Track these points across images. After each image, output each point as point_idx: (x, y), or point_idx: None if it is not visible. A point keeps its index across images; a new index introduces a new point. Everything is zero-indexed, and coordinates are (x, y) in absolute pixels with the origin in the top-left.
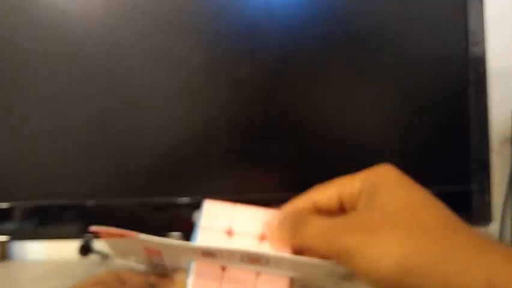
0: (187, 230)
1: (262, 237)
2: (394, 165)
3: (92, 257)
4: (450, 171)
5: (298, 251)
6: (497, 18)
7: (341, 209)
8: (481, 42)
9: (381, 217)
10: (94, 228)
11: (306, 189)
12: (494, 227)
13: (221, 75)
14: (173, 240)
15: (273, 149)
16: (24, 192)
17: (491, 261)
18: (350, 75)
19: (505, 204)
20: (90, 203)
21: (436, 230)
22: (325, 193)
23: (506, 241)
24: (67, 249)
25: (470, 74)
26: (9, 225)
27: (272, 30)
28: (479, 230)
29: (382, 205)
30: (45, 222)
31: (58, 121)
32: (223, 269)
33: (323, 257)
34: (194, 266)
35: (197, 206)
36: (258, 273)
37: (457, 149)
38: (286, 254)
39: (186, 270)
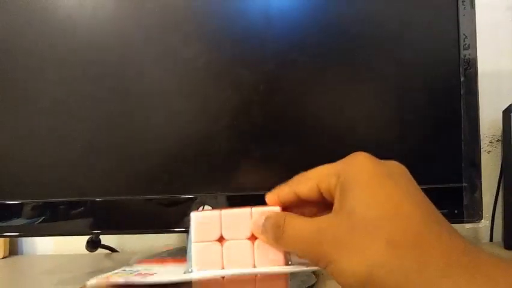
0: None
1: (253, 237)
2: (368, 154)
3: (100, 252)
4: (441, 170)
5: None
6: (488, 22)
7: (323, 198)
8: (472, 45)
9: (349, 225)
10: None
11: None
12: (484, 225)
13: (223, 78)
14: (171, 276)
15: (272, 149)
16: (33, 190)
17: (454, 283)
18: (346, 77)
19: (495, 202)
20: (97, 200)
21: (404, 243)
22: (306, 185)
23: (496, 238)
24: (75, 244)
25: (461, 76)
26: (19, 222)
27: (271, 35)
28: (472, 227)
29: (352, 208)
30: (54, 219)
31: (66, 121)
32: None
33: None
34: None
35: (199, 203)
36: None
37: (449, 148)
38: (276, 267)
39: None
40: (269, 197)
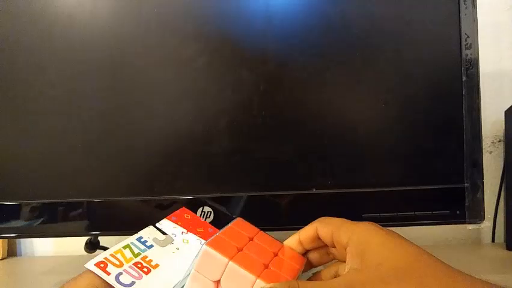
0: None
1: (275, 254)
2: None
3: (99, 253)
4: (443, 170)
5: None
6: (490, 21)
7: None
8: (474, 45)
9: (379, 276)
10: None
11: (306, 188)
12: (486, 225)
13: (223, 78)
14: None
15: (273, 149)
16: (32, 191)
17: None
18: (347, 77)
19: (497, 203)
20: (96, 201)
21: (433, 280)
22: (313, 241)
23: (498, 239)
24: (73, 245)
25: (463, 76)
26: (18, 223)
27: (272, 35)
28: (472, 228)
29: (378, 262)
30: (52, 220)
31: (65, 122)
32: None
33: None
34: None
35: (198, 204)
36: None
37: (450, 149)
38: None
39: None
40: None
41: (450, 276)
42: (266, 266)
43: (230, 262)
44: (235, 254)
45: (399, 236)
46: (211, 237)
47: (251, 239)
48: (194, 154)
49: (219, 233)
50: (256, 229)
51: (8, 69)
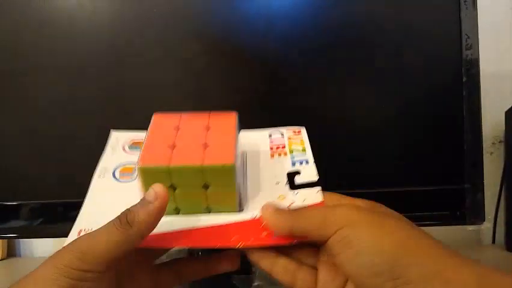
0: None
1: (208, 128)
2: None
3: None
4: (443, 171)
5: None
6: (490, 22)
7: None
8: (474, 45)
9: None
10: None
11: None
12: (487, 226)
13: (223, 78)
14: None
15: None
16: (32, 191)
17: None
18: (348, 78)
19: (497, 204)
20: None
21: (432, 241)
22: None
23: (499, 240)
24: None
25: (463, 76)
26: (18, 223)
27: (272, 35)
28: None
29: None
30: (52, 220)
31: (64, 122)
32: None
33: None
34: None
35: None
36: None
37: (451, 150)
38: None
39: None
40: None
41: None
42: (205, 146)
43: (171, 165)
44: (171, 153)
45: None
46: (140, 154)
47: (177, 129)
48: None
49: (143, 145)
50: (177, 115)
51: (8, 68)
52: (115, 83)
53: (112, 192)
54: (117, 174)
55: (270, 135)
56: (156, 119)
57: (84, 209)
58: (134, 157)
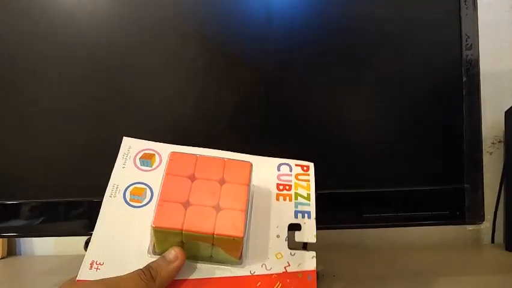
0: None
1: (222, 181)
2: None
3: None
4: (443, 171)
5: None
6: (491, 22)
7: None
8: (474, 45)
9: None
10: None
11: None
12: (486, 226)
13: (223, 78)
14: None
15: (273, 149)
16: (32, 190)
17: None
18: (347, 77)
19: (497, 203)
20: (96, 200)
21: None
22: None
23: (498, 240)
24: (73, 245)
25: (463, 76)
26: (18, 222)
27: (272, 35)
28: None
29: None
30: (52, 219)
31: (65, 121)
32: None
33: None
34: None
35: None
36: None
37: (450, 149)
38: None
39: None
40: None
41: None
42: (217, 209)
43: (184, 230)
44: (184, 214)
45: None
46: (154, 211)
47: (193, 178)
48: None
49: (158, 199)
50: (193, 157)
51: (7, 69)
52: (115, 83)
53: (122, 218)
54: (127, 196)
55: (279, 168)
56: (172, 160)
57: (95, 237)
58: (145, 176)
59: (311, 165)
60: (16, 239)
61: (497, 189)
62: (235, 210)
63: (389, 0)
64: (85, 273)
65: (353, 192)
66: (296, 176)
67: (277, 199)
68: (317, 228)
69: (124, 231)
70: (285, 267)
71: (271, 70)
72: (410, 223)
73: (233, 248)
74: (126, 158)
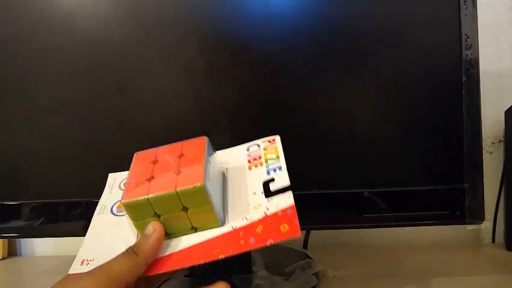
0: None
1: (181, 156)
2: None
3: None
4: (443, 171)
5: None
6: (490, 22)
7: None
8: (474, 45)
9: None
10: None
11: (305, 188)
12: (486, 226)
13: (223, 79)
14: None
15: None
16: (32, 191)
17: None
18: (347, 77)
19: (497, 203)
20: (95, 201)
21: None
22: None
23: (498, 239)
24: (74, 245)
25: (463, 76)
26: (18, 223)
27: (271, 36)
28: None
29: None
30: (53, 220)
31: (65, 121)
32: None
33: None
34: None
35: None
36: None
37: (450, 149)
38: None
39: None
40: None
41: None
42: (178, 173)
43: (149, 196)
44: (149, 186)
45: None
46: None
47: (155, 162)
48: None
49: (126, 183)
50: (155, 149)
51: (7, 68)
52: (115, 82)
53: (110, 224)
54: (114, 210)
55: (248, 149)
56: (137, 157)
57: (85, 241)
58: None
59: (277, 136)
60: (16, 239)
61: (498, 188)
62: (193, 168)
63: (389, 0)
64: (76, 269)
65: (353, 192)
66: (264, 148)
67: (250, 169)
68: (317, 228)
69: (111, 232)
70: (264, 212)
71: (271, 70)
72: (410, 223)
73: (203, 203)
74: (112, 187)
